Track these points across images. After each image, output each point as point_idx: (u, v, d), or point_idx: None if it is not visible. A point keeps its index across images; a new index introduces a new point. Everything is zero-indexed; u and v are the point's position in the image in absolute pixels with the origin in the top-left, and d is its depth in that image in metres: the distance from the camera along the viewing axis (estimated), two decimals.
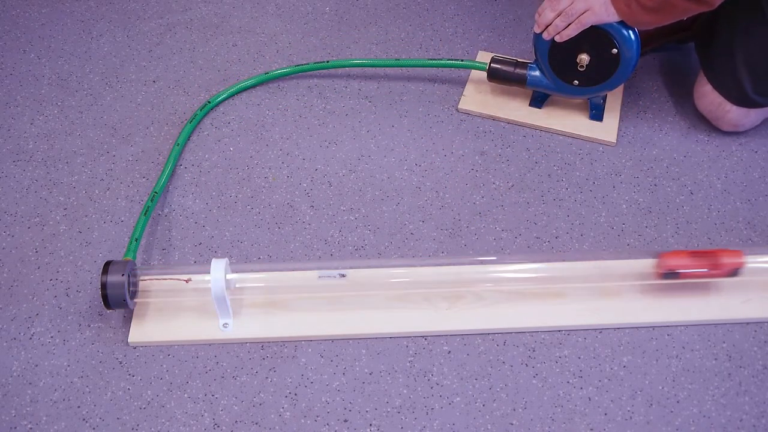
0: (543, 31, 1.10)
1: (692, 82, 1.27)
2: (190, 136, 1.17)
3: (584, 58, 1.10)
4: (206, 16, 1.40)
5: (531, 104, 1.22)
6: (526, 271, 0.97)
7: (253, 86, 1.26)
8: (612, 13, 1.04)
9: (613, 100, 1.23)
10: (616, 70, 1.11)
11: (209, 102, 1.21)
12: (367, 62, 1.26)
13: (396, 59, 1.26)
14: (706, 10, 1.01)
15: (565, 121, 1.20)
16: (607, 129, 1.19)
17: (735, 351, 0.94)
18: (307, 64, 1.26)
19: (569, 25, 1.07)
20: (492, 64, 1.18)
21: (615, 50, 1.09)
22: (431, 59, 1.25)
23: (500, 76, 1.19)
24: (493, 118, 1.22)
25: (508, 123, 1.21)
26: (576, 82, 1.14)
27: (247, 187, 1.11)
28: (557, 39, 1.09)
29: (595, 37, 1.08)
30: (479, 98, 1.24)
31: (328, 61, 1.26)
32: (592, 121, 1.20)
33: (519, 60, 1.18)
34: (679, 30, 1.27)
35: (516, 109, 1.22)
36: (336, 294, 0.96)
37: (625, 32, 1.07)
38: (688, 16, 1.05)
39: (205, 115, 1.21)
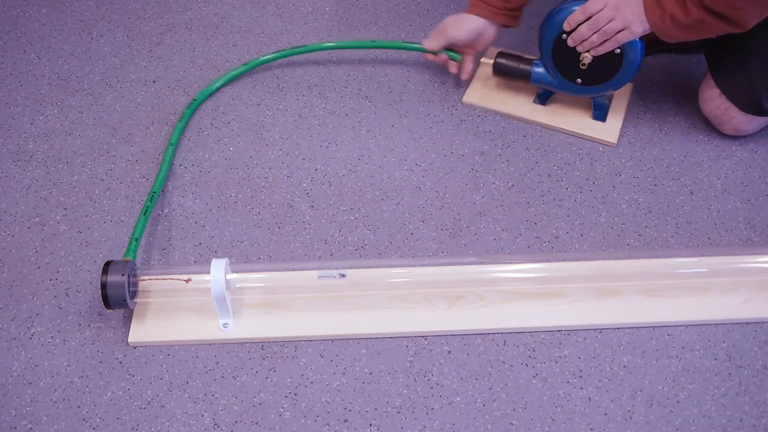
0: (577, 45, 1.09)
1: (693, 82, 1.27)
2: (182, 135, 1.17)
3: (587, 56, 1.10)
4: (206, 16, 1.40)
5: (536, 101, 1.22)
6: (526, 271, 0.97)
7: (237, 77, 1.26)
8: (646, 28, 1.04)
9: (620, 102, 1.23)
10: (618, 70, 1.11)
11: (195, 99, 1.21)
12: (340, 45, 1.29)
13: (372, 41, 1.28)
14: (740, 31, 1.00)
15: (569, 119, 1.20)
16: (610, 130, 1.19)
17: (735, 351, 0.94)
18: (285, 49, 1.28)
19: (605, 41, 1.06)
20: (497, 59, 1.18)
21: (618, 50, 1.08)
22: (407, 42, 1.26)
23: (505, 71, 1.18)
24: (496, 113, 1.22)
25: (510, 118, 1.21)
26: (579, 80, 1.14)
27: (247, 187, 1.11)
28: (592, 53, 1.09)
29: None
30: (484, 92, 1.24)
31: (304, 45, 1.28)
32: (594, 121, 1.20)
33: (525, 56, 1.18)
34: None
35: (520, 105, 1.22)
36: (336, 294, 0.96)
37: None
38: (717, 35, 1.04)
39: (193, 112, 1.20)
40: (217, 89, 1.25)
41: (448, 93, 1.26)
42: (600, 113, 1.20)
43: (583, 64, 1.11)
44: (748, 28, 0.99)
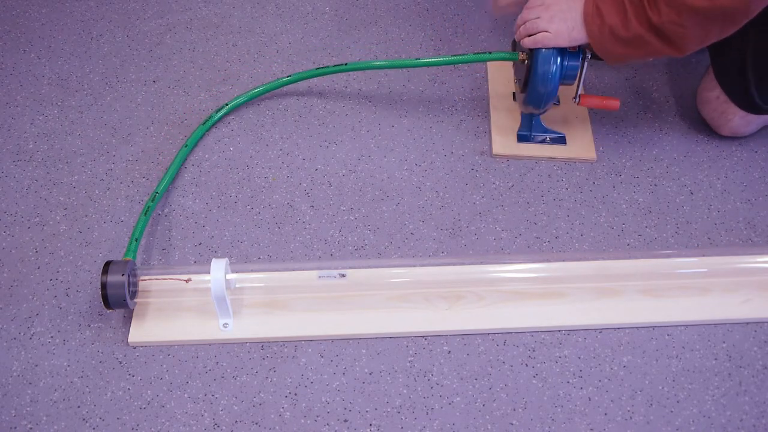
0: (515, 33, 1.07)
1: (693, 82, 1.28)
2: (202, 138, 1.17)
3: (521, 56, 1.07)
4: (206, 16, 1.40)
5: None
6: (526, 271, 0.97)
7: (270, 90, 1.23)
8: (577, 39, 1.00)
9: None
10: (528, 82, 1.07)
11: (227, 105, 1.20)
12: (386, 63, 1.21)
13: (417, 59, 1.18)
14: (677, 56, 0.98)
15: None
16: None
17: (735, 351, 0.94)
18: (327, 66, 1.21)
19: (530, 35, 1.03)
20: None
21: (526, 60, 1.05)
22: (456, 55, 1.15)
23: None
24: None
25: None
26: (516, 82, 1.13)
27: (247, 187, 1.11)
28: (520, 45, 1.06)
29: None
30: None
31: (346, 64, 1.20)
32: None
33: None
34: None
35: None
36: (336, 294, 0.96)
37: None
38: (653, 58, 1.01)
39: (221, 119, 1.20)
40: (252, 98, 1.23)
41: (448, 93, 1.26)
42: (522, 129, 1.17)
43: (521, 62, 1.08)
44: (684, 54, 0.97)
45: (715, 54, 1.16)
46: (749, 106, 1.12)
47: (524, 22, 1.04)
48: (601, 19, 0.97)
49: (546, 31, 1.01)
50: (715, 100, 1.15)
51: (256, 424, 0.87)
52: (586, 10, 0.99)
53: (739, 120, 1.14)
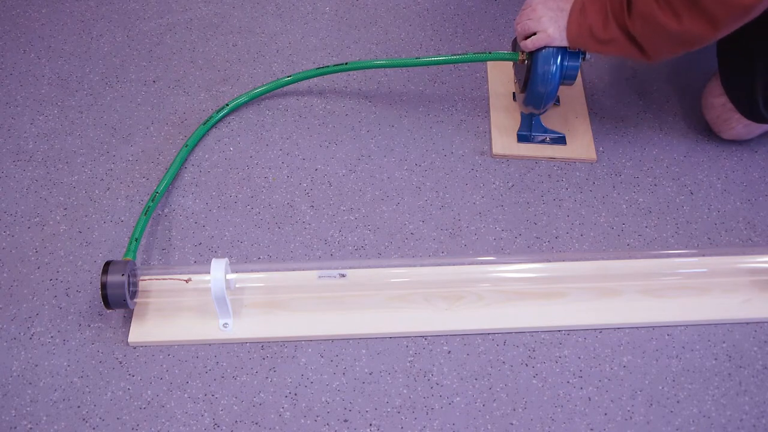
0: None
1: (693, 81, 1.27)
2: (202, 138, 1.17)
3: (521, 56, 1.08)
4: (206, 16, 1.40)
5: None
6: (526, 271, 0.97)
7: (271, 90, 1.23)
8: (565, 38, 1.03)
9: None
10: (528, 81, 1.07)
11: (227, 105, 1.20)
12: (387, 62, 1.20)
13: (416, 58, 1.18)
14: (646, 62, 1.00)
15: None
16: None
17: (735, 351, 0.94)
18: (327, 66, 1.20)
19: (527, 38, 1.05)
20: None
21: (527, 60, 1.06)
22: (454, 54, 1.16)
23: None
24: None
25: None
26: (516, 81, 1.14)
27: (247, 187, 1.11)
28: (520, 46, 1.08)
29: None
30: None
31: (346, 63, 1.19)
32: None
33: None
34: None
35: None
36: (336, 294, 0.96)
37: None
38: (625, 57, 1.07)
39: (222, 118, 1.20)
40: (252, 98, 1.23)
41: (448, 93, 1.26)
42: (522, 128, 1.17)
43: (522, 60, 1.08)
44: (653, 63, 1.00)
45: (724, 62, 1.15)
46: (751, 113, 1.11)
47: (518, 25, 1.06)
48: (584, 18, 1.00)
49: (539, 32, 1.03)
50: (721, 107, 1.15)
51: (256, 424, 0.87)
52: (573, 8, 1.01)
53: (742, 129, 1.15)
